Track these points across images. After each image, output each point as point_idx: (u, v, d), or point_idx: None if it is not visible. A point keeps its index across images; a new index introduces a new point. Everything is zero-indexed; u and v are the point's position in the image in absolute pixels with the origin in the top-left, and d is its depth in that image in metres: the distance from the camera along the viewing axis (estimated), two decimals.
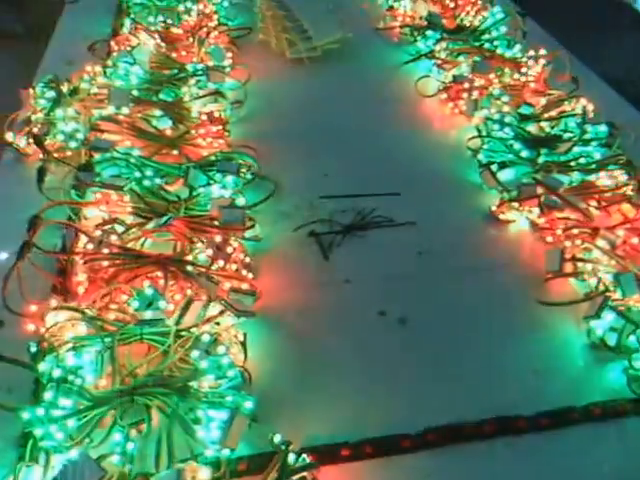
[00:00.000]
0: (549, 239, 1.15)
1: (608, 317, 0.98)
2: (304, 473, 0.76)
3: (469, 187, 1.29)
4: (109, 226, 1.04)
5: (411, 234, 1.18)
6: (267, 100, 1.49)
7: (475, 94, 1.45)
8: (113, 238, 1.02)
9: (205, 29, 1.61)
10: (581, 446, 0.87)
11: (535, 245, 1.16)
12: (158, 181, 1.16)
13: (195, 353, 0.86)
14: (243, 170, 1.23)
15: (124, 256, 0.99)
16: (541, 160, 1.30)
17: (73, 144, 1.24)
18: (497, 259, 1.14)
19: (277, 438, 0.80)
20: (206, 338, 0.88)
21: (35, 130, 1.24)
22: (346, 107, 1.49)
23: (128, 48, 1.49)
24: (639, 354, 0.94)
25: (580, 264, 1.08)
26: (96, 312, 0.93)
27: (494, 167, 1.26)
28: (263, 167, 1.28)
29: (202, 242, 1.03)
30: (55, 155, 1.21)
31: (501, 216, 1.21)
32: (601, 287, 1.03)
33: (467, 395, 0.92)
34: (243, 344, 0.92)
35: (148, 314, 0.92)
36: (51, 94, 1.33)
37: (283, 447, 0.78)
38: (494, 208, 1.21)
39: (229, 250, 1.01)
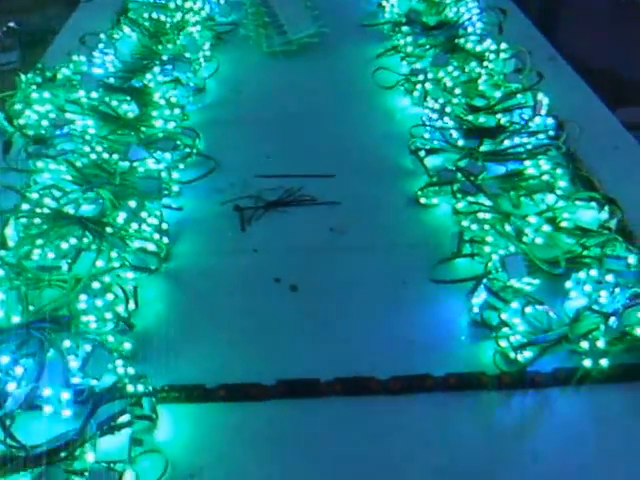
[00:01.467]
0: (463, 223, 1.18)
1: (483, 296, 0.99)
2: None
3: (403, 173, 1.33)
4: (46, 190, 1.18)
5: (331, 213, 1.24)
6: (233, 89, 1.60)
7: (428, 86, 1.50)
8: (48, 201, 1.17)
9: (189, 23, 1.76)
10: (431, 412, 0.90)
11: (449, 228, 1.18)
12: (105, 156, 1.30)
13: (84, 297, 0.98)
14: (188, 149, 1.33)
15: (49, 215, 1.12)
16: (483, 149, 1.33)
17: (44, 122, 1.41)
18: (407, 240, 1.18)
19: (131, 370, 0.89)
20: (97, 285, 1.00)
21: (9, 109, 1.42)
22: (307, 97, 1.57)
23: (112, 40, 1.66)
24: (504, 331, 0.96)
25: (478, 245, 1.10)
26: (16, 260, 1.07)
27: (422, 153, 1.30)
28: (210, 148, 1.39)
29: (121, 207, 1.15)
30: (22, 131, 1.37)
31: (423, 200, 1.25)
32: (489, 266, 1.05)
33: (336, 356, 0.97)
34: (133, 295, 1.02)
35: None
36: (37, 79, 1.52)
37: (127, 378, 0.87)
38: (418, 192, 1.26)
39: (143, 215, 1.13)
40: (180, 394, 0.91)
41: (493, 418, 0.90)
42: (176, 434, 0.87)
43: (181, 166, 1.33)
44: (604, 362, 0.93)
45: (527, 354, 0.93)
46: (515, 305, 0.95)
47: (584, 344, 0.94)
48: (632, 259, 1.04)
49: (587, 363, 0.93)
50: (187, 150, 1.34)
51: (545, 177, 1.21)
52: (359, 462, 0.85)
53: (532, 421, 0.90)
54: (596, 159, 1.35)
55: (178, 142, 1.34)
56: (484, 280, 1.01)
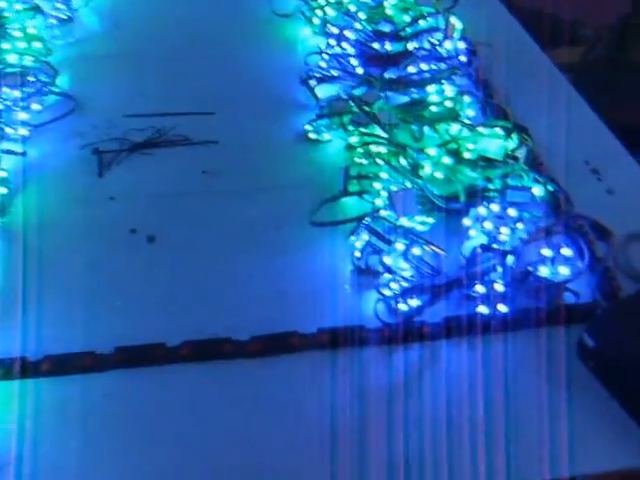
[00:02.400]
0: (355, 158, 1.03)
1: (364, 238, 0.85)
2: None
3: (294, 108, 1.16)
4: None
5: (206, 154, 1.06)
6: (110, 22, 1.40)
7: (329, 11, 1.33)
8: None
9: None
10: (295, 377, 0.76)
11: (341, 166, 1.02)
12: None
13: None
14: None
15: None
16: (386, 77, 1.18)
17: None
18: (291, 181, 1.01)
19: None
20: None
21: None
22: (194, 29, 1.37)
23: None
24: (386, 278, 0.81)
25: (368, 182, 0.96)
26: None
27: (313, 82, 1.15)
28: (76, 87, 1.18)
29: None
30: None
31: (313, 136, 1.09)
32: (378, 204, 0.91)
33: (192, 317, 0.81)
34: None
35: None
36: None
37: None
38: (306, 127, 1.10)
39: None
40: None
41: (370, 378, 0.76)
42: None
43: (36, 107, 1.15)
44: (503, 308, 0.81)
45: (413, 303, 0.80)
46: (399, 246, 0.81)
47: (479, 288, 0.82)
48: (538, 190, 0.92)
49: (483, 310, 0.81)
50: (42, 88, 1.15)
51: (448, 104, 1.07)
52: (209, 437, 0.70)
53: (417, 379, 0.77)
54: (513, 89, 1.21)
55: (32, 79, 1.16)
56: (367, 220, 0.86)
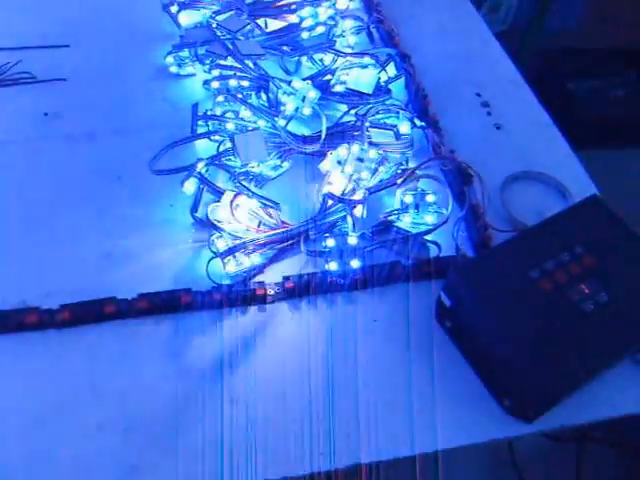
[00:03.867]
0: (216, 94, 0.90)
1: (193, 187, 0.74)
2: None
3: (159, 38, 1.01)
4: None
5: (52, 93, 0.93)
6: None
7: None
8: None
9: None
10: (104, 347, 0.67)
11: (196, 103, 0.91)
12: None
13: None
14: None
15: None
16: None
17: None
18: (144, 122, 0.88)
19: None
20: None
21: None
22: None
23: None
24: (216, 234, 0.70)
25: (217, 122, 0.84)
26: None
27: (175, 8, 1.01)
28: None
29: None
30: None
31: (174, 69, 0.96)
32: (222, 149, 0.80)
33: (18, 280, 0.71)
34: None
35: None
36: None
37: None
38: (167, 59, 0.97)
39: None
40: None
41: (199, 346, 0.68)
42: None
43: None
44: (355, 264, 0.72)
45: (250, 261, 0.71)
46: (229, 197, 0.70)
47: (330, 242, 0.72)
48: (405, 127, 0.81)
49: (332, 266, 0.71)
50: None
51: (322, 30, 0.94)
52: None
53: (249, 346, 0.68)
54: (407, 11, 1.08)
55: None
56: (201, 166, 0.75)
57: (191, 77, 0.95)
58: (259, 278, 0.71)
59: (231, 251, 0.66)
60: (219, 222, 0.69)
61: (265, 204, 0.68)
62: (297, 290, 0.70)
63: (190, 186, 0.73)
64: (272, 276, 0.72)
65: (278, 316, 0.70)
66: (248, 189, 0.70)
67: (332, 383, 0.67)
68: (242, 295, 0.68)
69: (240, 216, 0.68)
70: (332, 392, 0.66)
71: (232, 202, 0.67)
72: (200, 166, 0.73)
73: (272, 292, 0.69)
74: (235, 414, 0.63)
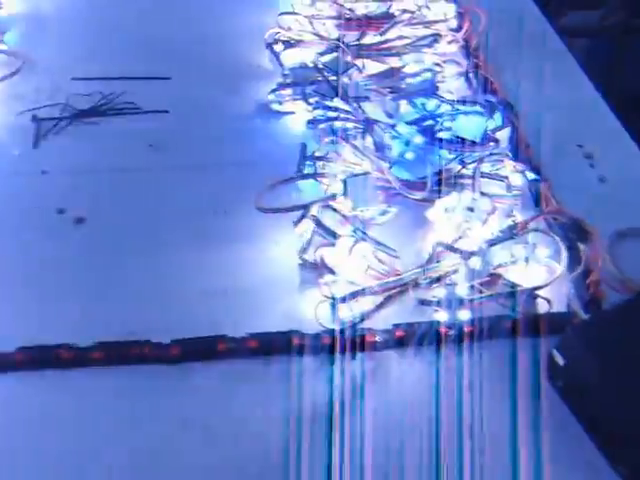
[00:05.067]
0: (321, 134, 0.91)
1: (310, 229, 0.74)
2: None
3: (259, 75, 1.05)
4: None
5: (155, 125, 0.96)
6: None
7: None
8: None
9: None
10: (219, 386, 0.66)
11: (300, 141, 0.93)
12: None
13: None
14: None
15: None
16: (359, 43, 1.05)
17: None
18: (246, 157, 0.91)
19: None
20: None
21: None
22: None
23: None
24: (330, 276, 0.70)
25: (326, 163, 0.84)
26: None
27: (282, 47, 1.03)
28: (23, 45, 1.09)
29: None
30: None
31: (275, 107, 0.99)
32: (334, 190, 0.80)
33: (111, 314, 0.71)
34: None
35: None
36: None
37: None
38: (269, 97, 0.99)
39: None
40: None
41: (305, 390, 0.68)
42: None
43: None
44: (464, 315, 0.71)
45: (360, 306, 0.70)
46: (344, 242, 0.71)
47: (439, 291, 0.72)
48: (517, 179, 0.80)
49: (441, 316, 0.71)
50: None
51: (427, 75, 0.95)
52: (115, 449, 0.61)
53: (359, 395, 0.68)
54: (506, 60, 1.08)
55: None
56: (315, 208, 0.75)
57: (290, 115, 0.98)
58: (366, 324, 0.71)
59: (350, 297, 0.66)
60: (332, 266, 0.69)
61: (384, 250, 0.68)
62: (406, 338, 0.69)
63: (304, 228, 0.73)
64: (378, 323, 0.71)
65: (386, 364, 0.69)
66: (366, 234, 0.70)
67: (437, 438, 0.66)
68: (352, 340, 0.68)
69: (356, 262, 0.68)
70: (437, 447, 0.65)
71: (351, 248, 0.67)
72: (315, 209, 0.73)
73: (381, 339, 0.69)
74: (345, 462, 0.63)
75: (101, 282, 0.76)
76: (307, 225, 0.73)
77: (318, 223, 0.72)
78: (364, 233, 0.71)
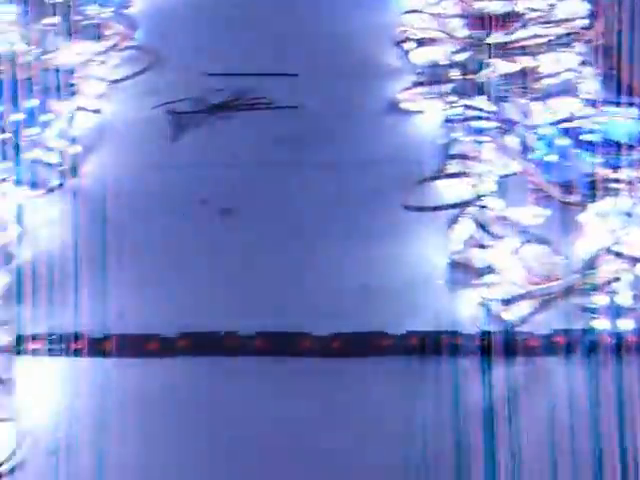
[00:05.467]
0: (455, 134, 0.91)
1: (467, 229, 0.73)
2: None
3: (386, 72, 1.06)
4: None
5: (287, 120, 0.98)
6: None
7: None
8: None
9: None
10: (382, 381, 0.67)
11: (436, 141, 0.91)
12: None
13: None
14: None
15: None
16: (490, 41, 1.04)
17: None
18: (381, 155, 0.91)
19: None
20: None
21: None
22: None
23: None
24: (490, 278, 0.69)
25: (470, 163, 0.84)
26: None
27: (410, 45, 1.02)
28: (153, 41, 1.13)
29: None
30: None
31: (406, 105, 0.98)
32: (481, 190, 0.79)
33: (264, 304, 0.73)
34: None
35: None
36: None
37: None
38: (399, 95, 0.99)
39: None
40: (55, 345, 0.69)
41: (463, 392, 0.67)
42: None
43: (113, 61, 1.09)
44: (627, 324, 0.69)
45: (519, 310, 0.69)
46: (508, 243, 0.70)
47: (599, 298, 0.70)
48: None
49: (601, 324, 0.69)
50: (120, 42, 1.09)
51: (566, 76, 0.92)
52: (274, 440, 0.61)
53: (518, 398, 0.67)
54: None
55: (109, 32, 1.10)
56: (472, 208, 0.75)
57: (420, 113, 0.97)
58: (525, 328, 0.70)
59: (515, 300, 0.65)
60: (490, 267, 0.69)
61: (550, 254, 0.67)
62: (566, 345, 0.68)
63: (462, 228, 0.73)
64: (537, 327, 0.70)
65: (545, 369, 0.68)
66: (531, 235, 0.68)
67: (599, 446, 0.64)
68: (510, 343, 0.67)
69: (521, 264, 0.67)
70: (600, 456, 0.63)
71: (517, 249, 0.66)
72: (473, 210, 0.73)
73: (540, 344, 0.67)
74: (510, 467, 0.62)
75: (255, 272, 0.76)
76: (464, 224, 0.73)
77: (479, 224, 0.71)
78: (530, 234, 0.70)
